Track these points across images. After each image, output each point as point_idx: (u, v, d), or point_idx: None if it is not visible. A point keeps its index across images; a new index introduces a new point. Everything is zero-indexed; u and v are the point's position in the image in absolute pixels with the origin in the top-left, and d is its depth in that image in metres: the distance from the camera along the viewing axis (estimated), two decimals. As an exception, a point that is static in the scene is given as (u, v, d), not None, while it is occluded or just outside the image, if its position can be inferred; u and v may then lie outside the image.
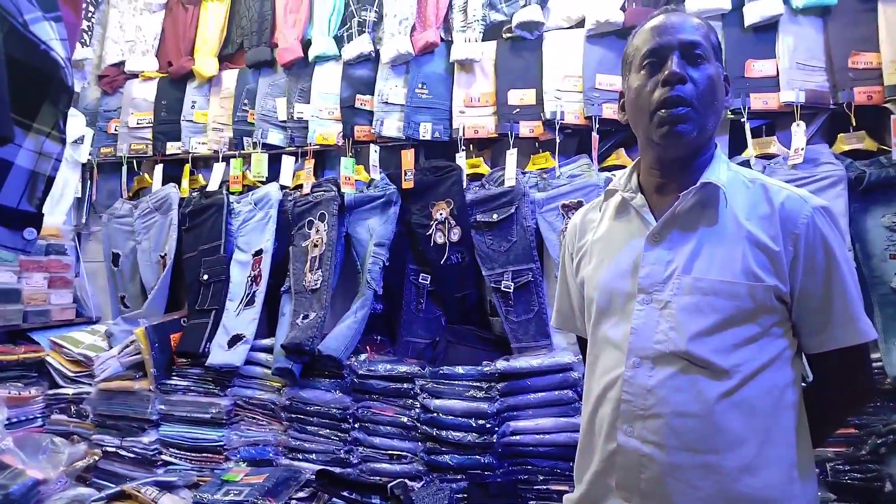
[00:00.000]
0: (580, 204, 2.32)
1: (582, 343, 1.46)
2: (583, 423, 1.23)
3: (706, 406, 1.04)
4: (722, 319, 1.06)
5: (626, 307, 1.15)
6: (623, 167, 2.38)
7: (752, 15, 2.23)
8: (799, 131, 2.17)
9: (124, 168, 3.08)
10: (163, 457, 2.46)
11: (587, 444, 1.20)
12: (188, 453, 2.44)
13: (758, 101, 2.22)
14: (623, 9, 2.37)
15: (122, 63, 3.15)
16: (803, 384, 1.14)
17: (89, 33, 3.24)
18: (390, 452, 2.21)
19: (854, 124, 2.13)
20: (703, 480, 1.03)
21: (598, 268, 1.23)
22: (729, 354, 1.05)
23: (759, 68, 2.25)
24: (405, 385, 2.24)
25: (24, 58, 0.90)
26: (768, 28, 2.25)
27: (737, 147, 2.30)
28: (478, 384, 2.15)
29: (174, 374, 2.55)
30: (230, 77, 2.95)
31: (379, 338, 2.61)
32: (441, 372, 2.21)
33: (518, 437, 2.07)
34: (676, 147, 1.11)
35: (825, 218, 1.09)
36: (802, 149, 2.14)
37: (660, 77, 1.09)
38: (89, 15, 3.24)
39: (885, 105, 2.08)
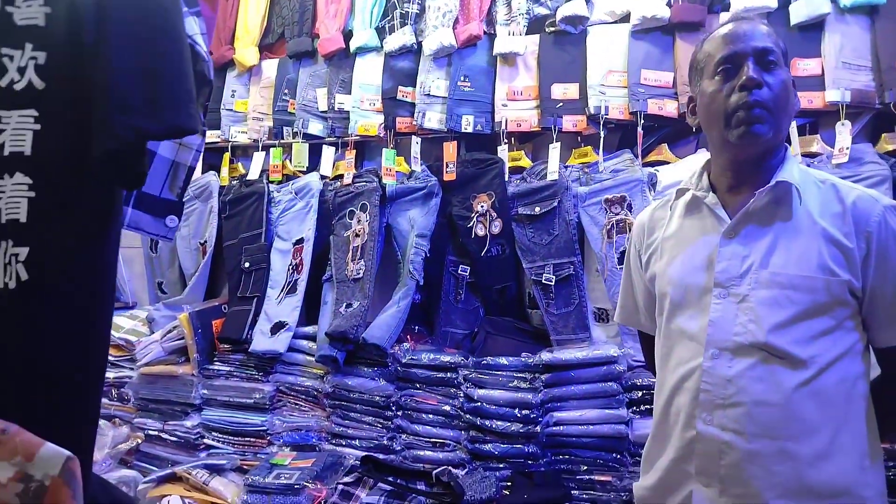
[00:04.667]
0: (623, 199, 2.35)
1: (644, 338, 1.50)
2: (656, 412, 1.27)
3: (784, 395, 1.08)
4: (799, 312, 1.10)
5: (701, 300, 1.19)
6: (666, 162, 2.41)
7: (798, 14, 2.23)
8: (844, 130, 2.17)
9: (163, 156, 3.11)
10: (205, 441, 2.50)
11: (661, 433, 1.24)
12: (231, 437, 2.48)
13: (803, 100, 2.19)
14: (669, 4, 2.38)
15: (161, 51, 3.17)
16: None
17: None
18: (433, 440, 2.25)
19: (900, 124, 2.15)
20: (780, 465, 1.08)
21: (670, 263, 1.27)
22: (806, 346, 1.09)
23: (804, 67, 2.25)
24: (448, 374, 2.26)
25: None
26: (814, 27, 2.25)
27: (780, 145, 2.31)
28: (522, 375, 2.18)
29: (216, 359, 2.59)
30: (270, 67, 2.97)
31: (417, 328, 2.63)
32: (484, 362, 2.23)
33: (562, 428, 2.10)
34: (752, 147, 1.15)
35: None
36: (848, 148, 2.15)
37: (736, 83, 1.13)
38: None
39: (932, 105, 2.09)
